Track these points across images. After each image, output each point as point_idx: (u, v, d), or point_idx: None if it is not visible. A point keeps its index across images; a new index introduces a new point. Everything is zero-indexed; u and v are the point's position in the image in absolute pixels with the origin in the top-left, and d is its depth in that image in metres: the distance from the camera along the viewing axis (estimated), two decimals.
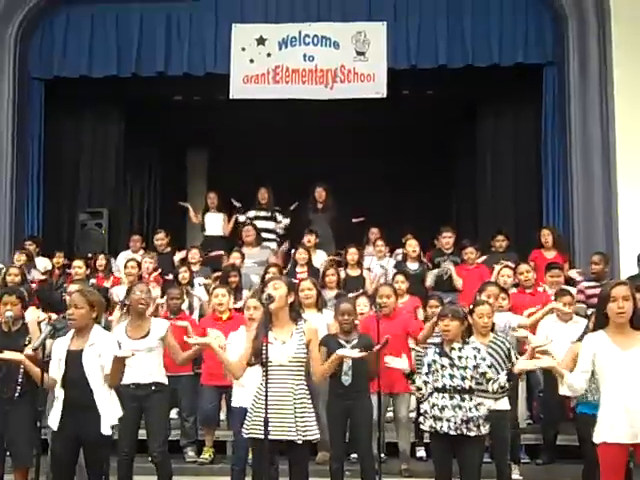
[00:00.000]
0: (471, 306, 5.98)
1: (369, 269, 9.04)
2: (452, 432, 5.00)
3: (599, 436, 4.46)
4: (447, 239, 9.03)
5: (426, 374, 5.16)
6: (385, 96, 9.80)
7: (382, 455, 6.38)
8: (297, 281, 6.95)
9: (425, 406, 5.14)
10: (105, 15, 10.22)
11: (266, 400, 4.44)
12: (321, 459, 6.56)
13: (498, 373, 5.37)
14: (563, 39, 9.60)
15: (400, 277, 7.86)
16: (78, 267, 8.50)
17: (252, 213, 10.60)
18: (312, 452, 6.57)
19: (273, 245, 10.30)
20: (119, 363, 4.82)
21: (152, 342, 5.76)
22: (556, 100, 9.82)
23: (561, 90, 9.70)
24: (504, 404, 5.80)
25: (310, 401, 4.67)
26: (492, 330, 5.93)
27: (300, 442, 4.54)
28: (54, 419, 4.85)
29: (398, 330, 6.55)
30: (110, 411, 4.84)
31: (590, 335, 4.62)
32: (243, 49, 9.97)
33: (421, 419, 5.17)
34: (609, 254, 8.64)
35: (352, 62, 9.92)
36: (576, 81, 9.44)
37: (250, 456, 5.26)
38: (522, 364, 5.11)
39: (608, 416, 4.42)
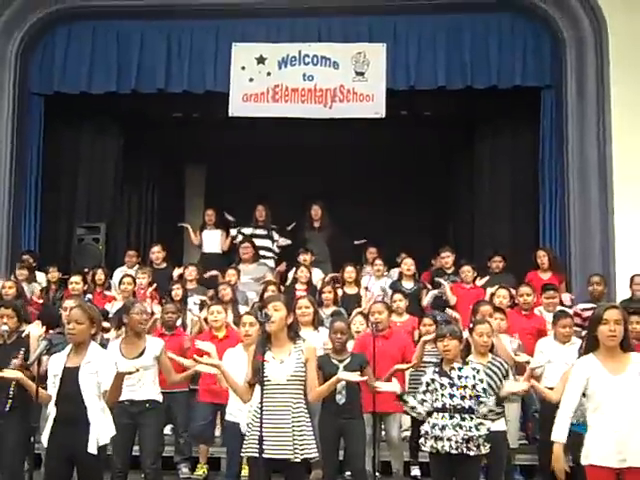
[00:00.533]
0: (471, 325, 6.00)
1: (367, 288, 9.06)
2: (453, 451, 5.00)
3: (587, 459, 4.46)
4: (446, 259, 9.08)
5: (424, 392, 5.15)
6: (384, 116, 9.85)
7: (376, 474, 6.37)
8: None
9: (426, 427, 5.13)
10: (106, 32, 10.28)
11: (261, 418, 4.45)
12: (315, 477, 6.52)
13: (494, 394, 5.41)
14: (561, 62, 9.67)
15: (398, 296, 7.88)
16: (75, 282, 8.51)
17: (249, 230, 10.63)
18: (306, 470, 6.61)
19: (270, 263, 10.31)
20: (119, 380, 4.79)
21: (147, 361, 5.75)
22: (554, 122, 9.88)
23: (559, 112, 9.76)
24: (501, 425, 5.80)
25: (309, 420, 4.66)
26: (491, 350, 5.94)
27: (297, 461, 4.52)
28: (45, 435, 4.82)
29: (394, 349, 6.57)
30: (103, 429, 4.80)
31: (581, 360, 4.62)
32: (243, 68, 10.02)
33: (422, 440, 5.15)
34: (605, 276, 8.67)
35: (351, 82, 9.98)
36: (574, 103, 9.51)
37: (243, 473, 5.25)
38: (508, 387, 5.24)
39: (596, 439, 4.42)
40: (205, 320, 7.52)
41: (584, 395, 4.53)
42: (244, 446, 4.61)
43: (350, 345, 6.45)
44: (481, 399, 5.12)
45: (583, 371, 4.52)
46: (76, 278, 8.58)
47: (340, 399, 5.84)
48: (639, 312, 6.80)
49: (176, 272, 9.38)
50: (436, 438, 5.05)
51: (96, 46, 10.26)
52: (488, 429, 5.23)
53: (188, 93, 10.23)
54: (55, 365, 4.89)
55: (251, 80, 10.05)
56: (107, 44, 10.27)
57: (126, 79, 10.16)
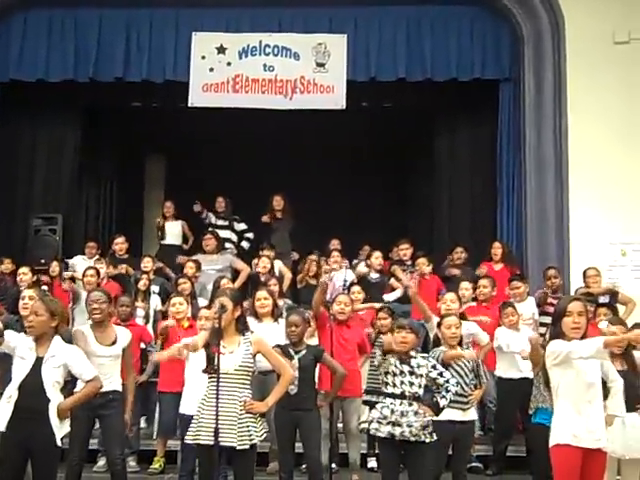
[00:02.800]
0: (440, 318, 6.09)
1: (330, 279, 9.09)
2: (412, 438, 5.05)
3: (555, 439, 4.54)
4: (405, 251, 9.12)
5: (385, 374, 5.20)
6: (344, 108, 9.86)
7: (333, 466, 6.40)
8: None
9: (384, 412, 5.15)
10: (63, 19, 10.12)
11: (217, 409, 4.55)
12: (272, 469, 6.55)
13: (463, 388, 5.62)
14: (519, 57, 9.77)
15: (357, 288, 8.03)
16: (23, 274, 8.47)
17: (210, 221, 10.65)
18: (263, 462, 6.63)
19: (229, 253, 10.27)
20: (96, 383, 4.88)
21: (118, 350, 5.72)
22: (512, 115, 9.99)
23: (517, 106, 9.86)
24: (472, 415, 5.89)
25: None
26: (460, 344, 5.99)
27: (241, 448, 4.58)
28: (3, 420, 4.76)
29: (355, 337, 6.71)
30: (62, 422, 4.78)
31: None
32: (203, 57, 9.95)
33: (375, 426, 5.17)
34: (560, 268, 8.80)
35: (312, 73, 9.96)
36: (531, 97, 9.62)
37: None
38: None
39: (563, 421, 4.51)
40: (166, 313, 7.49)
41: (547, 386, 4.62)
42: (190, 433, 4.67)
43: None
44: (439, 381, 5.20)
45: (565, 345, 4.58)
46: (24, 269, 8.54)
47: (292, 389, 5.83)
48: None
49: (145, 263, 9.25)
50: (394, 424, 5.10)
51: (53, 33, 10.11)
52: (454, 420, 5.41)
53: (147, 82, 10.14)
54: (25, 348, 4.81)
55: (211, 70, 9.98)
56: (64, 31, 10.11)
57: (84, 67, 10.02)
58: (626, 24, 9.45)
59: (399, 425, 5.07)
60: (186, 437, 4.79)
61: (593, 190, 9.23)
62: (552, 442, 4.58)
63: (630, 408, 5.40)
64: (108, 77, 10.08)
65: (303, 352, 5.96)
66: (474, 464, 6.97)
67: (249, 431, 4.64)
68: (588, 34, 9.44)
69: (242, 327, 4.86)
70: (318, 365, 6.07)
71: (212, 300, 5.06)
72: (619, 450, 5.22)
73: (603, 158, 9.26)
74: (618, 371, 5.33)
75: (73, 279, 8.80)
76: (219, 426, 4.52)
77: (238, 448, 4.59)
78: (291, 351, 5.94)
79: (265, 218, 10.44)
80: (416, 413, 5.10)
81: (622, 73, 9.39)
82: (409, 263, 9.03)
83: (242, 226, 10.76)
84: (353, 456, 6.65)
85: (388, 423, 5.09)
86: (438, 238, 11.08)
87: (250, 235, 10.79)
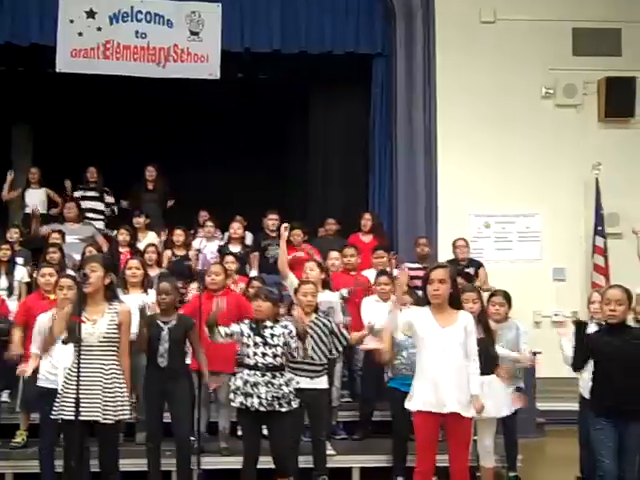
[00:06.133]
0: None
1: (199, 250, 9.05)
2: (262, 408, 5.12)
3: (412, 404, 4.71)
4: (273, 221, 9.14)
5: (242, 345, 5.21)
6: (218, 78, 9.76)
7: (202, 433, 6.43)
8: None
9: (238, 383, 5.22)
10: None
11: (78, 380, 4.41)
12: (140, 440, 6.48)
13: (323, 351, 5.78)
14: (392, 33, 9.93)
15: (230, 258, 8.02)
16: None
17: (79, 193, 10.32)
18: (131, 433, 6.57)
19: (100, 225, 10.03)
20: None
21: None
22: (384, 91, 10.14)
23: (389, 82, 10.04)
24: (323, 383, 6.01)
25: (122, 381, 4.63)
26: (316, 310, 6.09)
27: (107, 422, 4.50)
28: None
29: (231, 306, 6.56)
30: None
31: (415, 307, 4.86)
32: (71, 21, 9.58)
33: (231, 396, 5.24)
34: (429, 238, 9.10)
35: (186, 42, 9.78)
36: (403, 74, 9.81)
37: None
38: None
39: (421, 386, 4.69)
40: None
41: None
42: (55, 408, 4.55)
43: None
44: (293, 345, 5.33)
45: (412, 315, 4.74)
46: None
47: (162, 362, 5.79)
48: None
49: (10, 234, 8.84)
50: (246, 395, 5.17)
51: None
52: (297, 382, 5.47)
53: (11, 45, 9.68)
54: None
55: (80, 35, 9.63)
56: None
57: None
58: (492, 3, 9.78)
59: (250, 396, 5.17)
60: (52, 412, 4.66)
61: (460, 165, 9.56)
62: (410, 407, 4.76)
63: (487, 371, 5.66)
64: None
65: (173, 322, 5.88)
66: (343, 436, 7.14)
67: (115, 405, 4.55)
68: (456, 12, 9.73)
69: (111, 295, 4.75)
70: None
71: (81, 267, 4.90)
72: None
73: (470, 135, 9.60)
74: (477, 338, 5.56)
75: None
76: (82, 400, 4.41)
77: (102, 422, 4.50)
78: (159, 322, 5.87)
79: (124, 204, 10.25)
80: (268, 384, 5.16)
81: (488, 52, 9.72)
82: (275, 235, 9.06)
83: (110, 199, 10.49)
84: (222, 424, 6.66)
85: (242, 394, 5.19)
86: (312, 211, 11.18)
87: (116, 208, 10.51)
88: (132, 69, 9.72)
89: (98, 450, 4.69)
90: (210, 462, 6.39)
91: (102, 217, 10.31)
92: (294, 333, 5.40)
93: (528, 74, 9.72)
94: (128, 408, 4.63)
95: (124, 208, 10.54)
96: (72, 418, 4.40)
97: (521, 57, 9.72)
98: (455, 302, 4.87)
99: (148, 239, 9.23)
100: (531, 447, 7.48)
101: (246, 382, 5.17)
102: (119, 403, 4.57)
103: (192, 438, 6.20)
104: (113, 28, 9.73)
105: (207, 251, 9.02)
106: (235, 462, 6.00)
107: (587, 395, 5.51)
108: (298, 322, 5.58)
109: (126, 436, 6.46)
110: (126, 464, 5.53)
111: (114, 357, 4.63)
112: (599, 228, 9.52)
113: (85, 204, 10.05)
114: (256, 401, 5.13)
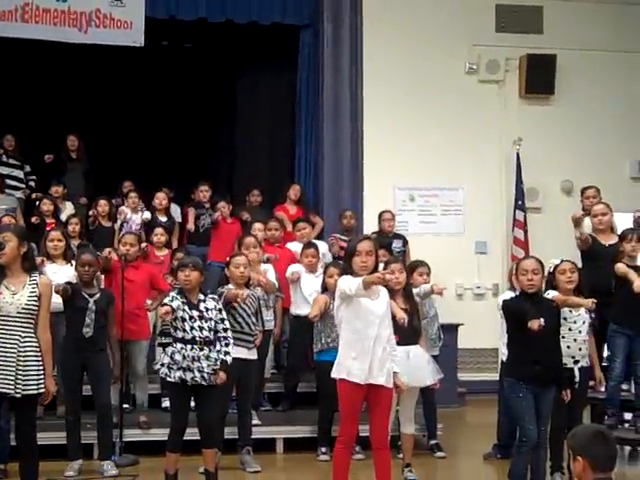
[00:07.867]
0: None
1: (126, 221, 8.92)
2: (204, 382, 5.12)
3: (338, 373, 4.74)
4: (204, 193, 9.11)
5: (175, 319, 5.16)
6: (142, 45, 9.54)
7: (125, 406, 6.37)
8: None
9: (176, 357, 5.15)
10: None
11: None
12: (61, 413, 6.39)
13: (251, 327, 5.90)
14: (319, 4, 9.86)
15: (159, 230, 8.07)
16: None
17: None
18: (52, 406, 6.45)
19: (19, 194, 9.74)
20: None
21: None
22: (311, 63, 10.07)
23: (316, 54, 9.98)
24: (253, 354, 6.03)
25: (38, 355, 4.54)
26: (247, 285, 6.06)
27: (18, 396, 4.42)
28: None
29: (144, 279, 6.60)
30: None
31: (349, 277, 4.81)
32: None
33: (165, 370, 5.19)
34: (355, 211, 9.16)
35: (108, 7, 9.48)
36: (329, 46, 9.77)
37: None
38: None
39: (347, 355, 4.72)
40: None
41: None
42: None
43: None
44: (226, 325, 5.32)
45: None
46: None
47: (87, 332, 5.76)
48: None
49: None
50: (185, 369, 5.13)
51: None
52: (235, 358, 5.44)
53: None
54: None
55: None
56: None
57: None
58: None
59: (190, 370, 5.13)
60: None
61: (385, 138, 9.62)
62: (335, 376, 4.80)
63: (411, 342, 5.76)
64: None
65: (97, 295, 5.93)
66: (267, 407, 7.19)
67: (27, 379, 4.45)
68: None
69: (29, 265, 4.64)
70: None
71: None
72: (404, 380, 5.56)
73: (395, 108, 9.65)
74: (401, 308, 5.65)
75: None
76: None
77: (16, 396, 4.42)
78: (84, 294, 5.84)
79: (47, 157, 9.94)
80: (207, 357, 5.16)
81: (415, 26, 9.76)
82: (207, 206, 9.03)
83: (27, 168, 10.17)
84: (140, 397, 6.61)
85: (179, 369, 5.13)
86: (238, 182, 11.11)
87: (34, 177, 10.19)
88: (53, 34, 9.39)
89: (14, 422, 4.61)
90: (132, 434, 6.35)
91: (23, 186, 9.99)
92: (220, 305, 5.40)
93: (452, 49, 9.83)
94: (41, 383, 4.52)
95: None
96: None
97: (446, 32, 9.80)
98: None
99: (68, 210, 9.06)
100: (452, 416, 7.68)
101: (185, 357, 5.13)
102: (34, 376, 4.47)
103: (126, 406, 6.21)
104: None
105: (132, 222, 8.87)
106: (159, 434, 5.98)
107: None
108: (231, 292, 5.61)
109: (47, 409, 6.35)
110: (46, 437, 5.44)
111: (31, 329, 4.51)
112: (519, 202, 9.74)
113: (3, 170, 9.73)
114: (198, 375, 5.12)
